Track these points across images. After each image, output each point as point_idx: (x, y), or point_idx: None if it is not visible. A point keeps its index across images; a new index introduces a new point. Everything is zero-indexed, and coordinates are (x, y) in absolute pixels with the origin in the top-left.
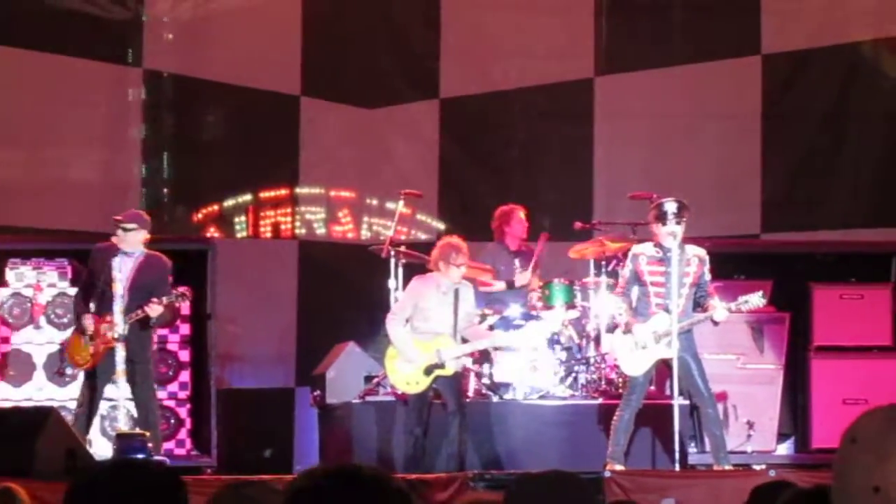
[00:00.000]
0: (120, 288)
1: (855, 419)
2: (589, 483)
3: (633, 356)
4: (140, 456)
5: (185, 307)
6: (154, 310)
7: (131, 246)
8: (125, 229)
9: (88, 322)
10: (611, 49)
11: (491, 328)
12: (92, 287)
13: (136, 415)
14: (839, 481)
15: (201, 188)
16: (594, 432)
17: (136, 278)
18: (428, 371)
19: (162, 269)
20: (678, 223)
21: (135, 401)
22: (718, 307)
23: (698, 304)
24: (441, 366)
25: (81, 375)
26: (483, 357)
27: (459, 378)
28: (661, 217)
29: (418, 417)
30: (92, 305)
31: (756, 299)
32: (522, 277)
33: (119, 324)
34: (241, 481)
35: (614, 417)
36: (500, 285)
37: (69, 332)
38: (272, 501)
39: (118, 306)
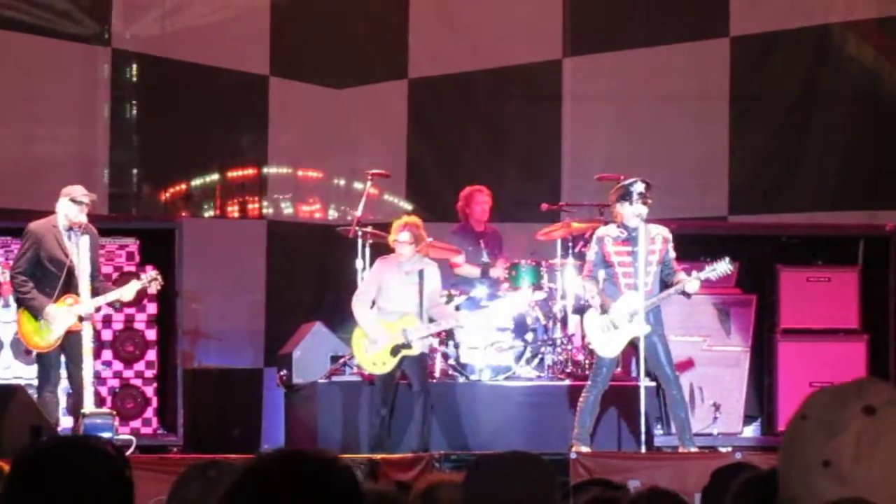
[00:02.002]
0: (88, 267)
1: (805, 398)
2: (549, 463)
3: (606, 337)
4: (107, 434)
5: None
6: (128, 291)
7: (78, 220)
8: (85, 203)
9: (52, 312)
10: (579, 31)
11: (457, 308)
12: (39, 268)
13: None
14: (787, 457)
15: (169, 168)
16: (560, 413)
17: (91, 254)
18: (394, 351)
19: (97, 239)
20: (644, 203)
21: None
22: (689, 279)
23: (665, 284)
24: (407, 346)
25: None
26: (448, 337)
27: (425, 358)
28: (628, 197)
29: (384, 398)
30: (35, 288)
31: (723, 266)
32: (497, 270)
33: (86, 302)
34: (207, 462)
35: (580, 399)
36: (473, 271)
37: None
38: None
39: (84, 284)
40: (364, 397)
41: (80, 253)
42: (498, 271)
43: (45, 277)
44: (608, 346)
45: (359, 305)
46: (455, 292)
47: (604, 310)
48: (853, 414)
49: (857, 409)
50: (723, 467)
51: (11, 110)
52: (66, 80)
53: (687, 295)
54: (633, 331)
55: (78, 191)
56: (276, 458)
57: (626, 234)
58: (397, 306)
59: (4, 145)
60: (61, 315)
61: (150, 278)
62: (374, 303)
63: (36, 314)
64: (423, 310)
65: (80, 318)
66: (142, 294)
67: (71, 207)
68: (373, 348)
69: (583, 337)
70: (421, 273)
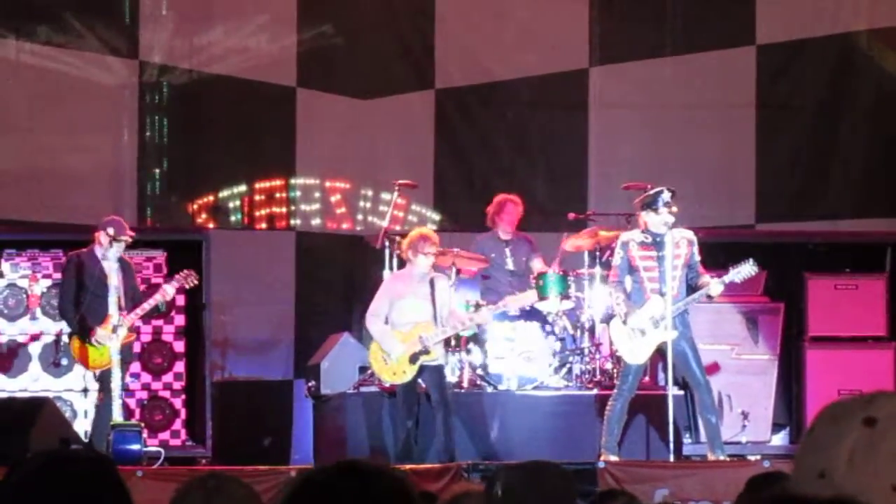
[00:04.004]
0: (115, 279)
1: (818, 411)
2: (569, 472)
3: (633, 344)
4: (136, 447)
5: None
6: (169, 292)
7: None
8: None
9: (102, 333)
10: (605, 40)
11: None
12: (82, 292)
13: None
14: (794, 469)
15: (197, 179)
16: (589, 423)
17: (123, 277)
18: (413, 359)
19: (133, 271)
20: (670, 212)
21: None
22: (713, 282)
23: (692, 288)
24: (425, 351)
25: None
26: (475, 343)
27: (443, 370)
28: (654, 207)
29: (409, 409)
30: (84, 313)
31: (748, 268)
32: (537, 263)
33: (114, 315)
34: (207, 473)
35: (607, 407)
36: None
37: (66, 338)
38: (239, 494)
39: (113, 297)
40: (387, 409)
41: (114, 266)
42: (539, 264)
43: (88, 301)
44: (636, 352)
45: (372, 321)
46: (483, 301)
47: (625, 319)
48: (853, 425)
49: (857, 421)
50: (758, 475)
51: (41, 123)
52: (94, 93)
53: (710, 298)
54: (660, 337)
55: (120, 228)
56: (332, 470)
57: (650, 239)
58: (410, 318)
59: (34, 158)
60: (108, 335)
61: (185, 275)
62: (386, 319)
63: (84, 338)
64: (438, 317)
65: (114, 330)
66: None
67: (113, 244)
68: (390, 359)
69: (611, 345)
70: (431, 282)
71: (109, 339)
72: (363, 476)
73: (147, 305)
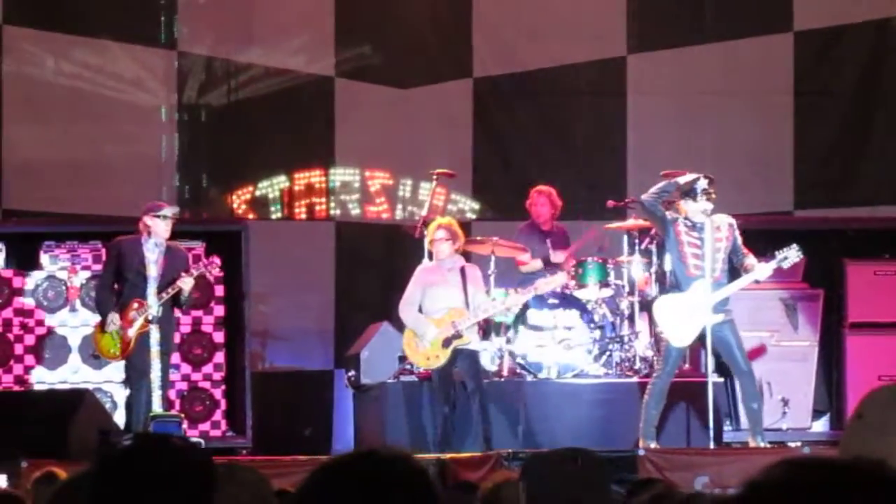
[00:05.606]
0: (154, 269)
1: (863, 396)
2: (602, 458)
3: (680, 326)
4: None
5: (216, 280)
6: (186, 282)
7: (167, 235)
8: (169, 217)
9: (114, 319)
10: (643, 27)
11: (526, 307)
12: (120, 281)
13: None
14: (843, 455)
15: (236, 170)
16: (629, 410)
17: (165, 266)
18: (446, 343)
19: (184, 260)
20: (708, 199)
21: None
22: (759, 266)
23: (735, 271)
24: (459, 335)
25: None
26: (517, 335)
27: (477, 356)
28: (692, 195)
29: (445, 396)
30: (113, 299)
31: (793, 253)
32: (557, 256)
33: (153, 305)
34: (231, 463)
35: (647, 388)
36: (536, 264)
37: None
38: (250, 479)
39: (152, 288)
40: (427, 397)
41: (152, 256)
42: (560, 257)
43: (127, 291)
44: (681, 334)
45: (406, 309)
46: (521, 290)
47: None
48: None
49: None
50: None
51: (81, 114)
52: (133, 86)
53: (757, 282)
54: (705, 319)
55: (154, 207)
56: (349, 457)
57: (692, 223)
58: (443, 304)
59: (74, 150)
60: (118, 322)
61: (206, 264)
62: (420, 308)
63: (102, 325)
64: (470, 304)
65: (148, 321)
66: (202, 281)
67: (157, 223)
68: (423, 343)
69: (652, 329)
70: (462, 270)
71: (114, 325)
72: (380, 463)
73: (164, 294)
